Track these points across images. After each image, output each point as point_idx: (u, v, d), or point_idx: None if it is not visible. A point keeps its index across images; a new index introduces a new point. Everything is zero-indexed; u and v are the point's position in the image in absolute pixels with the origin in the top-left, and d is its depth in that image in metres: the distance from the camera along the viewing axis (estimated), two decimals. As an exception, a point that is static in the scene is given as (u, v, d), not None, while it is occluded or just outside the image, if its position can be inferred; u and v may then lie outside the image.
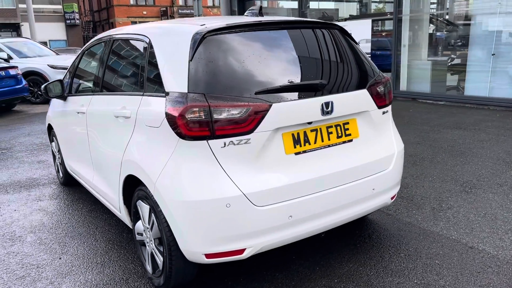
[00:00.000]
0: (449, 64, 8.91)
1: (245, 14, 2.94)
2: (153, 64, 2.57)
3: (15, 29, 41.99)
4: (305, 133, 2.45)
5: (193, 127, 2.20)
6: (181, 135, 2.23)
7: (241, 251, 2.31)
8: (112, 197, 3.12)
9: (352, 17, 12.08)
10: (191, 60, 2.32)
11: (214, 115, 2.20)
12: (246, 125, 2.24)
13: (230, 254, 2.31)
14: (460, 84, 8.57)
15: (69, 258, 3.14)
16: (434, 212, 3.54)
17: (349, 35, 2.92)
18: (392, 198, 2.90)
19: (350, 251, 3.01)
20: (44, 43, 38.28)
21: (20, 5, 30.21)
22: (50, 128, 4.77)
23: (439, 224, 3.32)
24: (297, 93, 2.39)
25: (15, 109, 11.04)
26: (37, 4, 45.24)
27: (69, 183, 4.62)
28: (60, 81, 4.07)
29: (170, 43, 2.54)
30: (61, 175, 4.71)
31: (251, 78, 2.36)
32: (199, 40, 2.36)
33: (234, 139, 2.23)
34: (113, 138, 2.94)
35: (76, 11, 46.96)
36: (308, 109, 2.40)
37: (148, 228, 2.62)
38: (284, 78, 2.41)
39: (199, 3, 21.63)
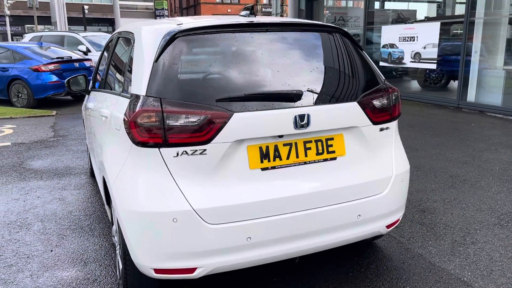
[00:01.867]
0: (530, 74, 7.87)
1: (240, 14, 2.74)
2: (131, 65, 2.48)
3: (110, 23, 45.30)
4: (276, 147, 2.21)
5: (145, 133, 2.06)
6: (134, 141, 2.11)
7: (191, 270, 2.14)
8: (103, 196, 3.10)
9: (416, 20, 11.19)
10: (155, 62, 2.18)
11: (167, 121, 2.05)
12: (202, 134, 2.06)
13: (180, 272, 2.15)
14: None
15: (59, 251, 3.17)
16: (453, 245, 3.07)
17: (352, 40, 2.60)
18: (388, 227, 2.54)
19: (338, 280, 2.69)
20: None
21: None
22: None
23: (454, 261, 2.87)
24: (266, 102, 2.15)
25: (87, 98, 11.75)
26: (132, 1, 48.45)
27: (94, 174, 4.75)
28: (85, 75, 4.16)
29: (144, 42, 2.43)
30: (90, 166, 4.86)
31: (216, 83, 2.17)
32: (168, 41, 2.21)
33: (188, 148, 2.06)
34: (98, 137, 2.92)
35: (165, 8, 49.42)
36: (277, 121, 2.15)
37: (116, 232, 2.55)
38: (254, 86, 2.19)
39: (277, 1, 21.63)
